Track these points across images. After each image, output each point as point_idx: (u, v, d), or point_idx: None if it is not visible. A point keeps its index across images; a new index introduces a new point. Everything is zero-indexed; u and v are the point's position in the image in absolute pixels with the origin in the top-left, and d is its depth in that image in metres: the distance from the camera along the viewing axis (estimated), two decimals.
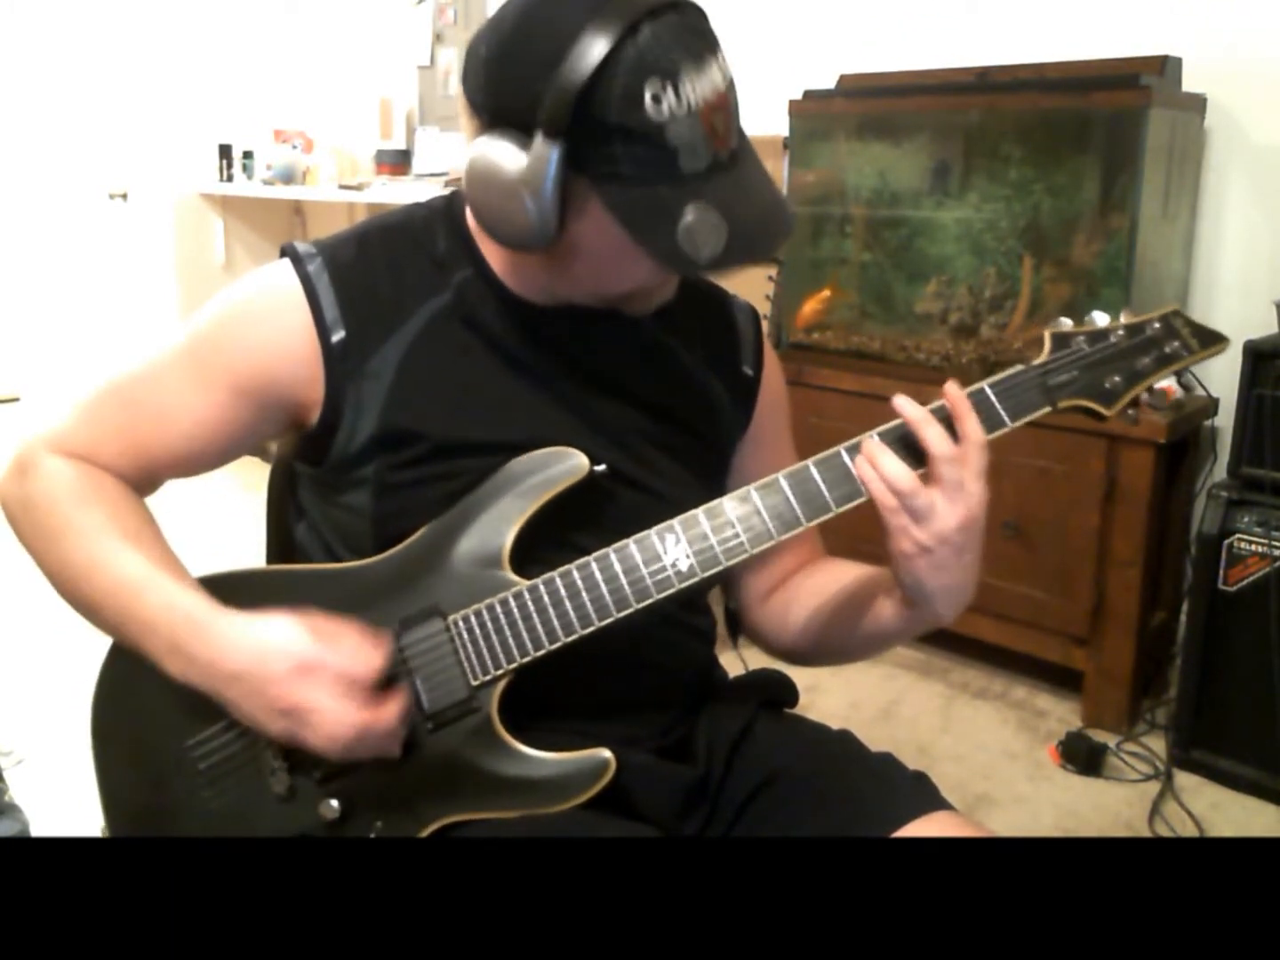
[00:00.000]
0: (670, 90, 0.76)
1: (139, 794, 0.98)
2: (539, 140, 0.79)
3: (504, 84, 0.82)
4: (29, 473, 0.95)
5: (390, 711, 0.85)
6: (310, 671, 0.82)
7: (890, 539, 0.84)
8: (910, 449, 0.85)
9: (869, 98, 2.63)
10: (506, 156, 0.81)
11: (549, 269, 0.90)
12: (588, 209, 0.82)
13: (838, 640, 0.99)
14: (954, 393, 0.85)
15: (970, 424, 0.84)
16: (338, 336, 0.91)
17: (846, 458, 0.86)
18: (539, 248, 0.85)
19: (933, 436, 0.83)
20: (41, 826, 1.66)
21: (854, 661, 1.03)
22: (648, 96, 0.76)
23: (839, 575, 1.01)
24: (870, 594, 0.94)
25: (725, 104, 0.80)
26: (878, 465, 0.84)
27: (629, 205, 0.80)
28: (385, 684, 0.86)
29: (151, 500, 1.00)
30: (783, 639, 1.05)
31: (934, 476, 0.83)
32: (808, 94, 2.67)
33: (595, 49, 0.76)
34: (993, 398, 0.87)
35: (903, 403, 0.85)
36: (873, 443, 0.85)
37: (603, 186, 0.80)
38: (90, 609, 0.92)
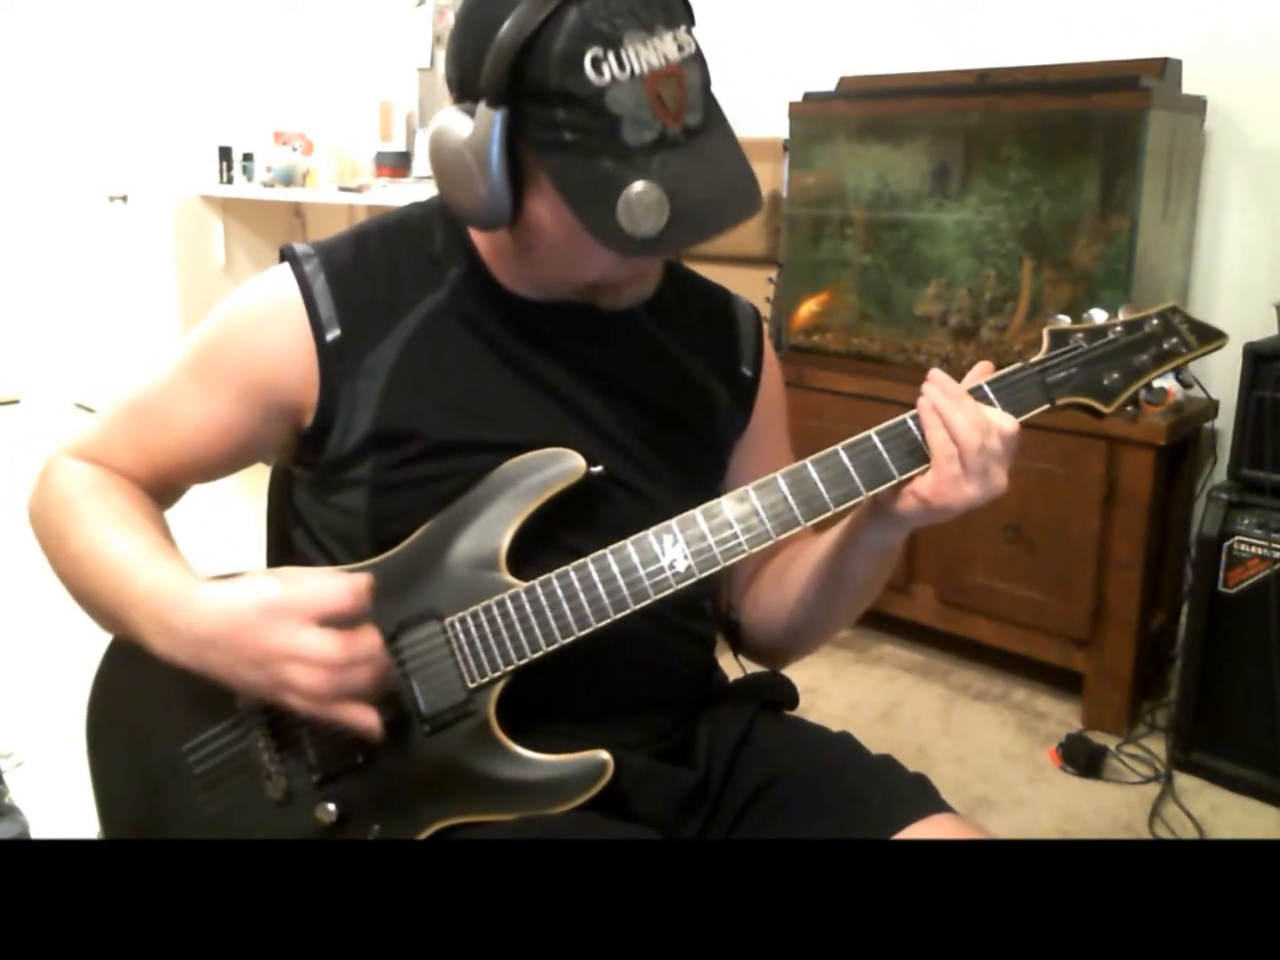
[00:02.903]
0: (611, 55, 0.75)
1: (135, 799, 0.98)
2: (482, 106, 0.78)
3: (460, 54, 0.82)
4: (49, 478, 0.97)
5: (369, 636, 0.81)
6: (278, 612, 0.80)
7: (932, 480, 0.84)
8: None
9: (869, 100, 2.64)
10: (457, 125, 0.81)
11: (520, 254, 0.90)
12: (540, 184, 0.82)
13: (813, 599, 0.99)
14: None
15: (996, 416, 0.85)
16: (333, 335, 0.91)
17: (845, 457, 0.86)
18: (498, 224, 0.85)
19: (985, 412, 0.85)
20: (41, 829, 1.66)
21: (842, 624, 1.03)
22: (587, 60, 0.75)
23: (800, 540, 1.01)
24: (832, 536, 0.95)
25: (677, 76, 0.78)
26: (949, 416, 0.84)
27: (570, 176, 0.79)
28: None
29: None
30: (771, 628, 1.04)
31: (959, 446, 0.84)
32: (808, 96, 2.67)
33: (537, 11, 0.75)
34: (991, 396, 0.88)
35: (935, 374, 0.86)
36: (947, 396, 0.85)
37: (547, 156, 0.79)
38: (87, 595, 0.92)
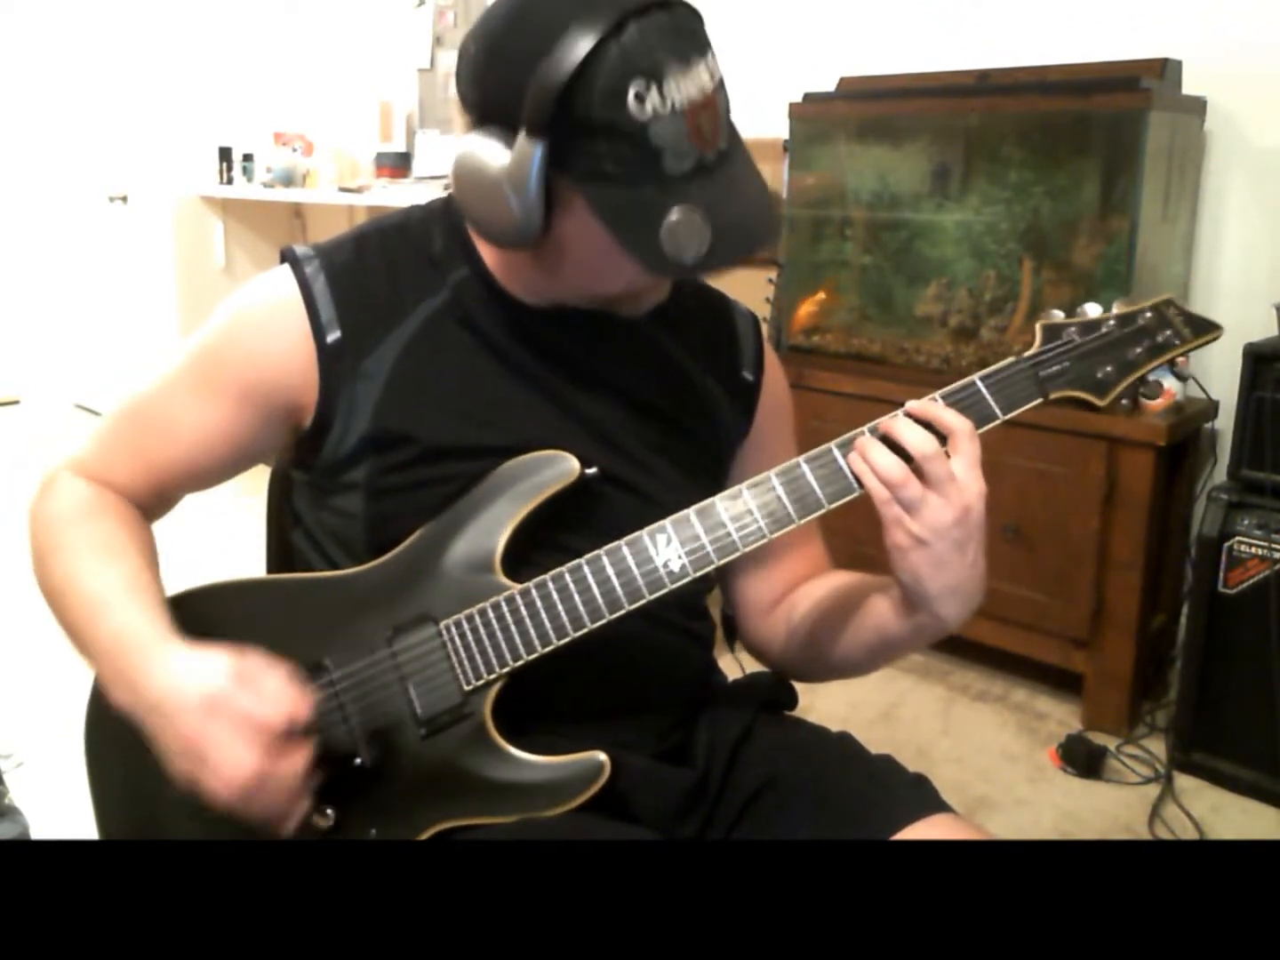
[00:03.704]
0: (654, 90, 0.76)
1: (132, 808, 0.98)
2: (522, 138, 0.79)
3: (490, 81, 0.82)
4: (47, 493, 0.96)
5: (292, 764, 0.81)
6: (216, 709, 0.80)
7: (885, 533, 0.84)
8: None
9: (869, 100, 2.64)
10: (491, 154, 0.81)
11: (540, 268, 0.90)
12: (573, 208, 0.82)
13: (841, 650, 0.97)
14: (915, 406, 0.85)
15: (949, 417, 0.84)
16: (333, 336, 0.91)
17: (838, 454, 0.86)
18: (526, 246, 0.85)
19: (909, 436, 0.83)
20: (41, 829, 1.66)
21: (861, 674, 1.00)
22: (631, 95, 0.76)
23: (840, 584, 1.00)
24: (872, 601, 0.93)
25: (712, 105, 0.80)
26: (869, 458, 0.84)
27: (612, 205, 0.80)
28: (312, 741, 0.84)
29: None
30: (786, 652, 1.04)
31: (922, 474, 0.82)
32: (808, 96, 2.67)
33: (579, 46, 0.75)
34: (984, 390, 0.87)
35: (879, 422, 0.85)
36: (865, 437, 0.85)
37: (586, 186, 0.80)
38: (65, 628, 0.91)
